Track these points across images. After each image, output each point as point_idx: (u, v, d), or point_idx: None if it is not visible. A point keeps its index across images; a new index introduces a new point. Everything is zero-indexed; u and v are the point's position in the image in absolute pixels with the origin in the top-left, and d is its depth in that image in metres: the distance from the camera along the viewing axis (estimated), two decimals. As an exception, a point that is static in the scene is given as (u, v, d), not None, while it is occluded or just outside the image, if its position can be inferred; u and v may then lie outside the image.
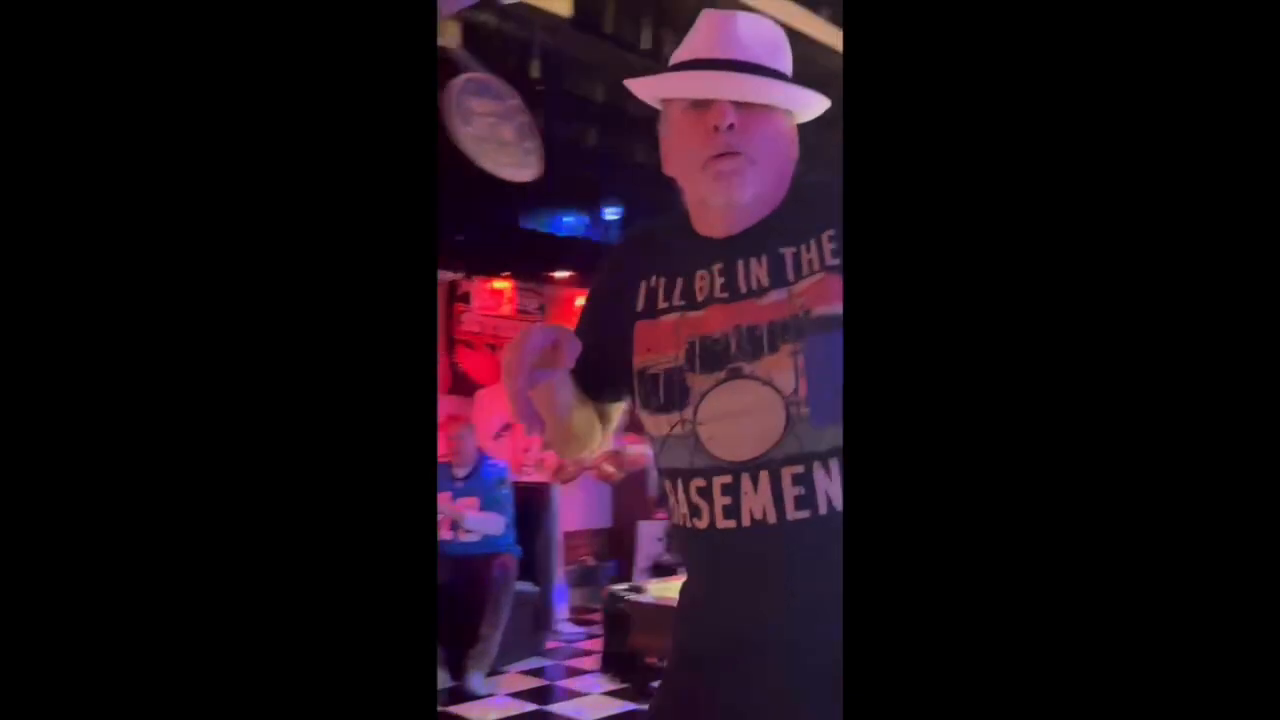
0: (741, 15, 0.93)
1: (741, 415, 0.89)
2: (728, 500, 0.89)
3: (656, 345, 0.95)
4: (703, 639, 0.96)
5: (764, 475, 0.87)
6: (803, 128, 0.96)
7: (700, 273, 0.95)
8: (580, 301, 4.45)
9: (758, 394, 0.88)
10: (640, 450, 4.35)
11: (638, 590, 2.12)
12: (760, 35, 0.92)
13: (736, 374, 0.89)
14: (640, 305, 0.98)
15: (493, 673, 3.68)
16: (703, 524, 0.90)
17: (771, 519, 0.86)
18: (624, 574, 4.42)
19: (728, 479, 0.88)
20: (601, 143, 3.14)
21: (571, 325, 1.02)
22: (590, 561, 4.93)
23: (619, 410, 1.03)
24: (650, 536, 4.60)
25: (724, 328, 0.91)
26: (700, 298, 0.94)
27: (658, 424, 0.94)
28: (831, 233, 0.89)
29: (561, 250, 4.12)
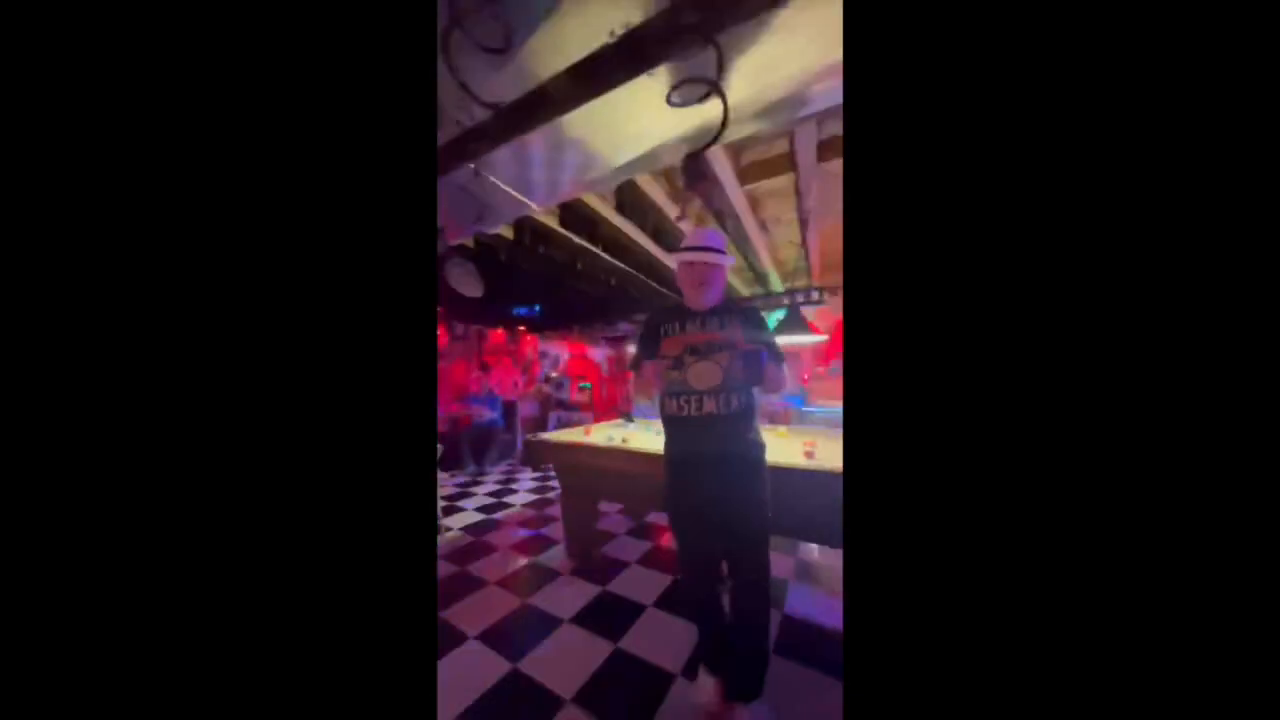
0: (710, 229, 2.09)
1: (705, 371, 1.97)
2: (697, 403, 1.98)
3: (671, 349, 2.06)
4: (682, 469, 2.02)
5: (717, 394, 1.97)
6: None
7: (689, 322, 2.08)
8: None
9: (713, 366, 1.96)
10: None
11: (537, 437, 3.65)
12: (715, 235, 2.08)
13: (704, 357, 1.98)
14: (664, 333, 2.11)
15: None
16: (686, 414, 2.01)
17: (719, 412, 1.96)
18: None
19: (698, 397, 1.98)
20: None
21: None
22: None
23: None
24: (553, 421, 10.91)
25: (696, 342, 2.01)
26: (689, 330, 2.06)
27: (668, 375, 2.04)
28: (743, 317, 2.03)
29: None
